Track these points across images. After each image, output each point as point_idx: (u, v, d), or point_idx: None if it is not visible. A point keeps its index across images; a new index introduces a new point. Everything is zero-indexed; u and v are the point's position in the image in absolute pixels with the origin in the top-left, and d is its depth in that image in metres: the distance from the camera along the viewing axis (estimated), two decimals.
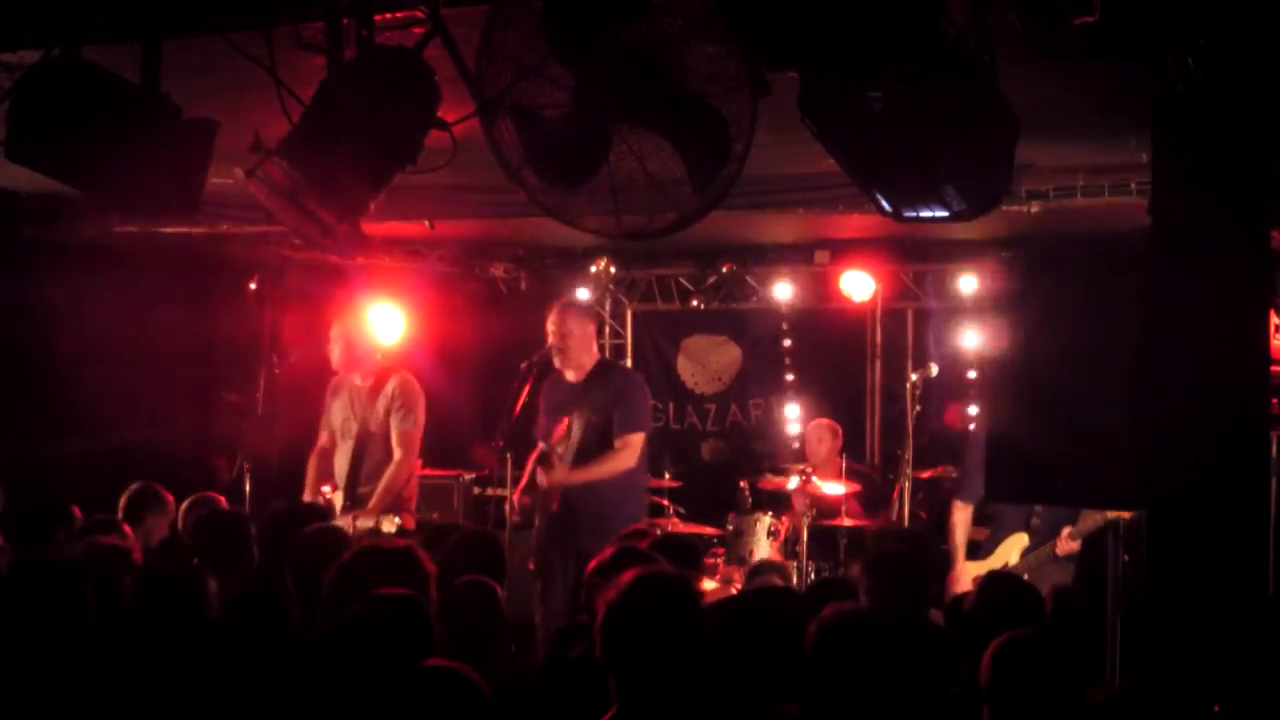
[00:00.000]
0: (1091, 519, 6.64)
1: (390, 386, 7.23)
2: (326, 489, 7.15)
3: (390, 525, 6.58)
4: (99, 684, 3.73)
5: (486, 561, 4.76)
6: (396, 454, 7.10)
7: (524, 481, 6.81)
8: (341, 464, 7.21)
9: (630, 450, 6.77)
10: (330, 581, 3.89)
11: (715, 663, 3.27)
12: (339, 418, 7.31)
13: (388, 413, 7.17)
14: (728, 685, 3.40)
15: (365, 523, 6.67)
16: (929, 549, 6.74)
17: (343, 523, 6.34)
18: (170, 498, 6.40)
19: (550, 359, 6.94)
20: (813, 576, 7.73)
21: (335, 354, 7.34)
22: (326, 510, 6.38)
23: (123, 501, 6.25)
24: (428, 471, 9.32)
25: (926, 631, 4.60)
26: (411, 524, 6.96)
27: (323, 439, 7.35)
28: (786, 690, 3.46)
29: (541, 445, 6.92)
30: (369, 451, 7.12)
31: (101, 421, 7.89)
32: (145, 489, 6.32)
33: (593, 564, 4.31)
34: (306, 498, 7.10)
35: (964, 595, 4.96)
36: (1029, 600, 4.55)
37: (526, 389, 6.66)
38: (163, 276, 8.56)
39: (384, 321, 9.76)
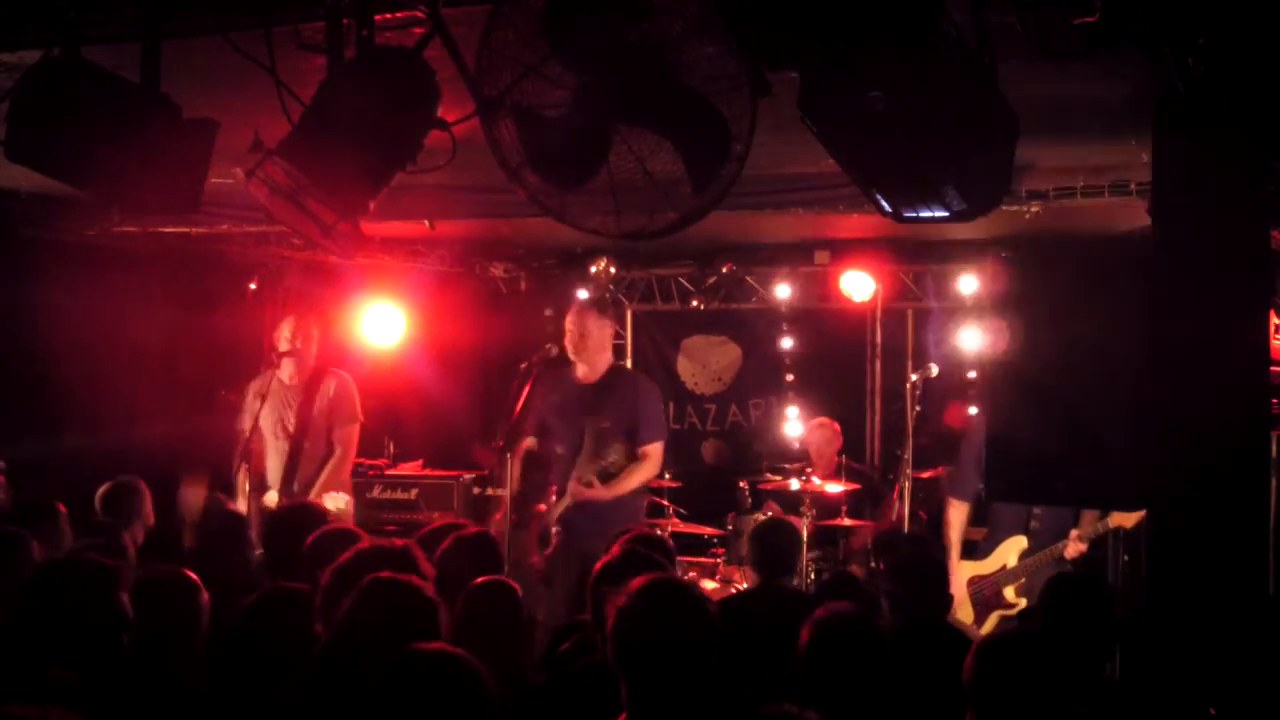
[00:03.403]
0: (1093, 522, 6.64)
1: (329, 387, 7.26)
2: (268, 497, 7.14)
3: (337, 503, 6.57)
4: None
5: (485, 562, 4.73)
6: (338, 451, 7.22)
7: (517, 482, 6.81)
8: (274, 464, 7.24)
9: (654, 460, 6.98)
10: (326, 582, 3.87)
11: (725, 666, 3.26)
12: (270, 419, 7.29)
13: (327, 413, 7.21)
14: (738, 688, 3.39)
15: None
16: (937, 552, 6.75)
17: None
18: (146, 489, 6.38)
19: (549, 359, 6.95)
20: (813, 577, 7.74)
21: (283, 343, 7.29)
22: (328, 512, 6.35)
23: (100, 503, 6.21)
24: (428, 472, 9.35)
25: (944, 633, 4.58)
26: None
27: (249, 438, 7.19)
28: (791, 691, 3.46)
29: (531, 442, 6.99)
30: (305, 451, 7.15)
31: (101, 421, 7.87)
32: (123, 485, 6.29)
33: (599, 565, 4.29)
34: (241, 502, 7.02)
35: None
36: (1100, 601, 4.50)
37: (527, 389, 6.66)
38: (163, 276, 8.55)
39: (382, 321, 9.79)
